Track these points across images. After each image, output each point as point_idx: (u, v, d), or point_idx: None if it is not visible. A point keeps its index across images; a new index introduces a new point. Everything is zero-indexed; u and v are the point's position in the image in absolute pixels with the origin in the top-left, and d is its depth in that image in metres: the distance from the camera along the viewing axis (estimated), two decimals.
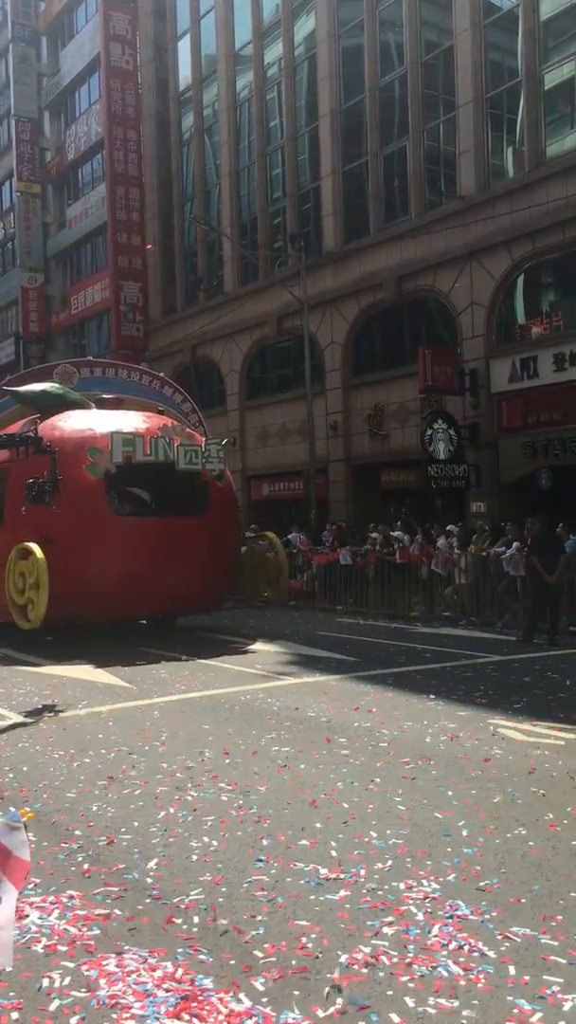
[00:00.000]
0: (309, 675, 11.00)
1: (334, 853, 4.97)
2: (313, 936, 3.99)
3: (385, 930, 4.03)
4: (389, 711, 8.66)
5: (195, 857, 4.98)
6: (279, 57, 27.60)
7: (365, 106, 24.34)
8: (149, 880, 4.69)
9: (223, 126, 29.91)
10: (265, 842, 5.17)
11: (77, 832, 5.44)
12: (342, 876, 4.64)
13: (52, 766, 6.99)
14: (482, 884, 4.51)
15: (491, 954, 3.79)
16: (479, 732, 7.71)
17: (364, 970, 3.68)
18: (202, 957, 3.83)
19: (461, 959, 3.75)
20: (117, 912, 4.29)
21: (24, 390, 15.83)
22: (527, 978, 3.59)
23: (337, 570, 18.89)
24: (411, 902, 4.32)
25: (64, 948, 3.94)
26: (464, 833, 5.23)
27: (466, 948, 3.84)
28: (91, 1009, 3.44)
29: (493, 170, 21.25)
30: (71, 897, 4.46)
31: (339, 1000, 3.44)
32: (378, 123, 24.04)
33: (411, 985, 3.56)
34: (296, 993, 3.50)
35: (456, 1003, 3.42)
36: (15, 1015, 3.43)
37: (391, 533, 18.93)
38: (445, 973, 3.64)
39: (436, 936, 3.95)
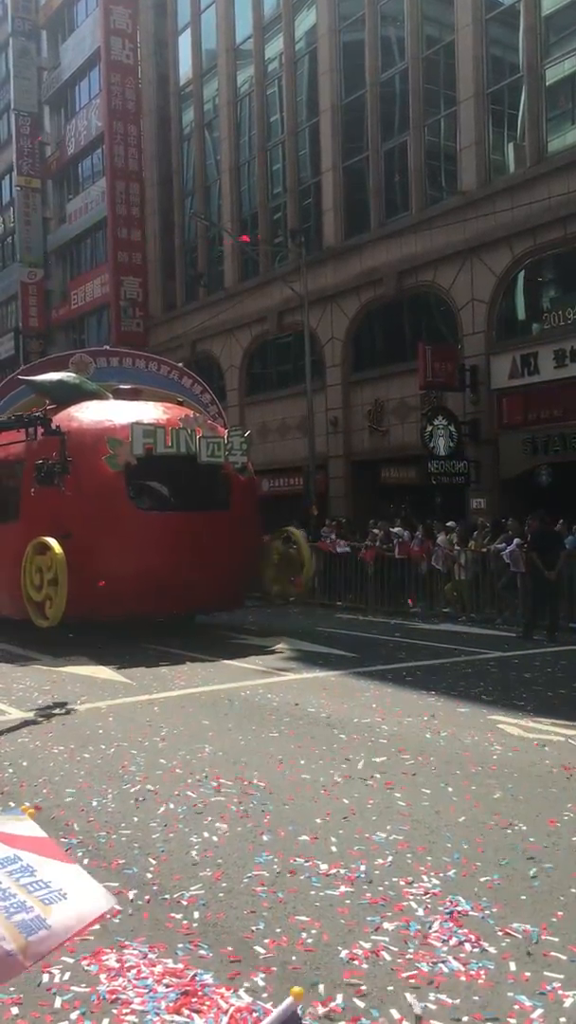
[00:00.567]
0: (309, 671, 11.01)
1: (334, 849, 4.97)
2: (313, 932, 3.99)
3: (385, 926, 4.03)
4: (389, 707, 8.66)
5: (195, 852, 4.98)
6: (280, 52, 27.54)
7: (366, 101, 24.28)
8: (149, 875, 4.69)
9: (223, 121, 29.85)
10: (265, 838, 5.17)
11: (77, 827, 5.43)
12: (342, 872, 4.64)
13: (52, 761, 6.99)
14: (482, 880, 4.51)
15: (491, 950, 3.79)
16: (479, 728, 7.71)
17: (364, 966, 3.68)
18: (202, 952, 3.83)
19: (461, 955, 3.75)
20: (117, 907, 4.29)
21: (40, 379, 15.36)
22: (528, 974, 3.59)
23: (337, 566, 18.87)
24: (411, 898, 4.32)
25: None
26: (464, 829, 5.23)
27: (467, 944, 3.84)
28: (91, 1004, 3.44)
29: (494, 166, 21.20)
30: None
31: (339, 996, 3.44)
32: (379, 118, 23.97)
33: (411, 981, 3.55)
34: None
35: (457, 999, 3.42)
36: (15, 1010, 3.43)
37: (391, 529, 18.92)
38: (445, 969, 3.64)
39: (436, 932, 3.95)
